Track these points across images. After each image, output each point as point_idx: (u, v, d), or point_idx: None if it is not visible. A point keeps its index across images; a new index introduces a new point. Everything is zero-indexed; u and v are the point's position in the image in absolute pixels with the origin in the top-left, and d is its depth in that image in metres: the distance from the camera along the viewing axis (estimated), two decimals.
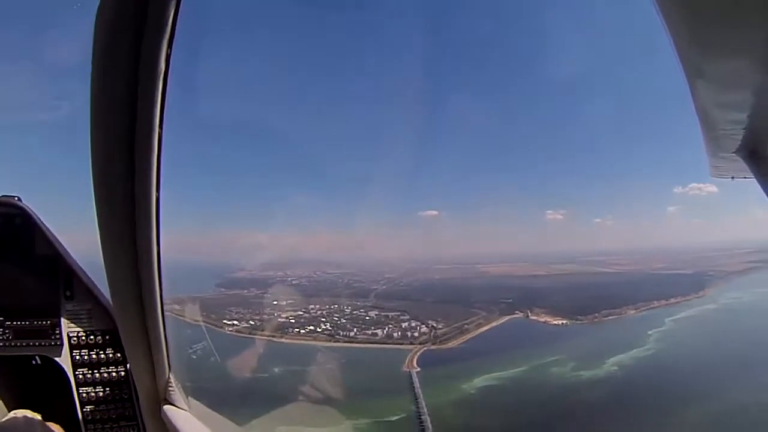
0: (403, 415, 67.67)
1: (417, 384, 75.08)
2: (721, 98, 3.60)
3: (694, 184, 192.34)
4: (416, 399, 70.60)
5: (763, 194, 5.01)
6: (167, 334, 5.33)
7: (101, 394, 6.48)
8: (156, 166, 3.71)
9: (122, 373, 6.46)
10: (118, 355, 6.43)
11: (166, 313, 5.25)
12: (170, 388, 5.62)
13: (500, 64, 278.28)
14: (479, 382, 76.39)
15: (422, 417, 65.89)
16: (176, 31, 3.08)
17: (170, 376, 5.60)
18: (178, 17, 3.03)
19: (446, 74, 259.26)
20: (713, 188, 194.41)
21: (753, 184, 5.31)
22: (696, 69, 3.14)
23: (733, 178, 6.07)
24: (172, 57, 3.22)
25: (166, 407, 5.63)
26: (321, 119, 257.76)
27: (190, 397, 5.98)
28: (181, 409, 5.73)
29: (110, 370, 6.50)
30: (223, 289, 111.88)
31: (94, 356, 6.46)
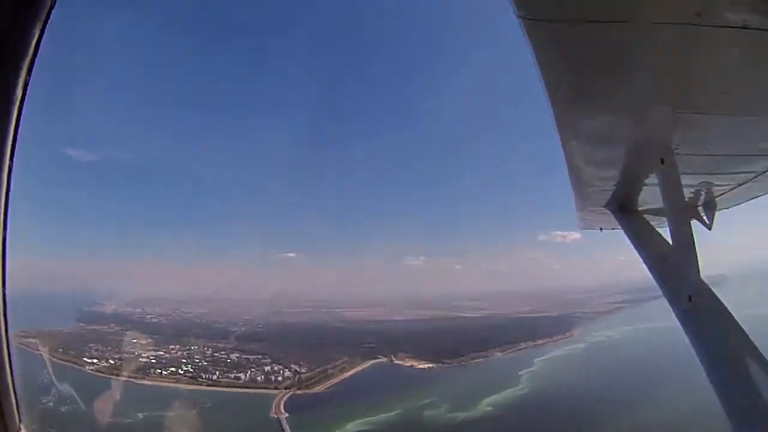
0: None
1: (287, 429, 71.55)
2: (593, 156, 4.31)
3: (558, 232, 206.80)
4: None
5: (622, 240, 5.53)
6: (15, 382, 4.55)
7: None
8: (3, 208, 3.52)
9: None
10: None
11: (14, 357, 4.54)
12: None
13: (369, 115, 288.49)
14: (352, 427, 73.92)
15: None
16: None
17: (21, 427, 4.76)
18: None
19: (311, 122, 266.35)
20: (577, 236, 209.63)
21: (618, 233, 5.94)
22: (570, 127, 3.72)
23: (601, 229, 6.93)
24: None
25: None
26: (189, 157, 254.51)
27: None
28: None
29: None
30: (82, 324, 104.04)
31: None
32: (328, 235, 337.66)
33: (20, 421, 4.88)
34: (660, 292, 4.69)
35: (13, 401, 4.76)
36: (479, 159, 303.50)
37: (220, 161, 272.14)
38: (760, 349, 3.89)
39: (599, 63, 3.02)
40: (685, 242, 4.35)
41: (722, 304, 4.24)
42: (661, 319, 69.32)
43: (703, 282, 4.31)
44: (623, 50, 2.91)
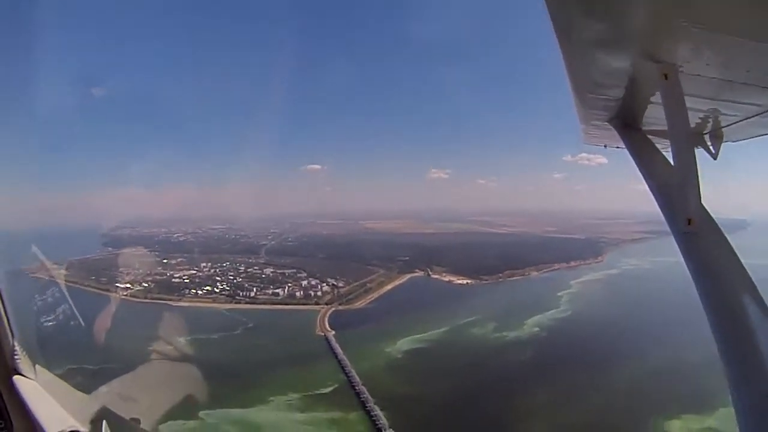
0: (335, 386, 61.75)
1: (338, 349, 69.67)
2: (593, 62, 4.00)
3: (584, 154, 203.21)
4: (343, 367, 65.21)
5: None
6: (5, 301, 5.53)
7: None
8: None
9: None
10: None
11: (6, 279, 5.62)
12: (16, 357, 5.70)
13: (386, 27, 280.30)
14: (404, 344, 72.52)
15: (357, 387, 60.20)
16: None
17: (14, 344, 5.71)
18: None
19: (329, 33, 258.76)
20: (602, 159, 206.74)
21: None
22: (567, 34, 3.55)
23: (606, 146, 6.85)
24: None
25: (16, 378, 5.66)
26: (201, 72, 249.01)
27: (38, 366, 6.04)
28: (29, 378, 5.82)
29: None
30: (110, 249, 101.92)
31: None
32: (353, 147, 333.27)
33: (13, 338, 5.69)
34: None
35: (5, 321, 5.57)
36: (509, 73, 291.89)
37: (240, 75, 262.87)
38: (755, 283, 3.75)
39: None
40: (688, 166, 4.15)
41: (721, 230, 4.14)
42: None
43: (703, 208, 4.14)
44: None
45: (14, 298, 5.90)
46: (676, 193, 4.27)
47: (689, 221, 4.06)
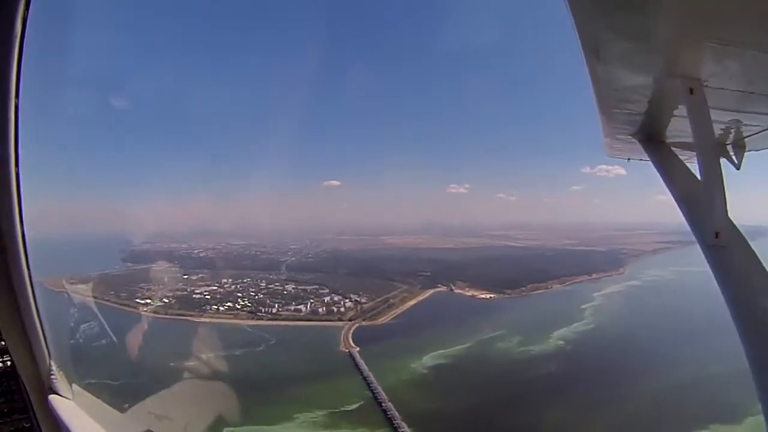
0: (360, 403, 61.08)
1: (363, 366, 68.98)
2: (619, 78, 4.07)
3: (602, 166, 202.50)
4: (368, 384, 64.50)
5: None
6: (42, 319, 5.46)
7: None
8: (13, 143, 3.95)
9: (8, 363, 5.80)
10: (2, 343, 5.79)
11: (41, 296, 5.38)
12: (53, 377, 5.77)
13: (406, 41, 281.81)
14: (429, 360, 71.75)
15: (383, 404, 59.57)
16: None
17: (51, 363, 5.75)
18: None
19: (352, 47, 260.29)
20: (620, 171, 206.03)
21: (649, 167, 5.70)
22: (594, 50, 3.57)
23: (629, 159, 6.83)
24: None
25: (52, 397, 5.75)
26: (227, 86, 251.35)
27: (74, 385, 6.10)
28: (66, 398, 5.87)
29: None
30: (129, 264, 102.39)
31: None
32: (371, 163, 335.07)
33: (50, 357, 5.73)
34: None
35: (43, 341, 5.55)
36: (526, 84, 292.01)
37: (261, 89, 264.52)
38: None
39: None
40: (713, 178, 4.23)
41: (748, 243, 4.20)
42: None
43: (730, 221, 4.19)
44: None
45: (48, 312, 5.86)
46: (703, 206, 4.32)
47: (716, 234, 4.10)
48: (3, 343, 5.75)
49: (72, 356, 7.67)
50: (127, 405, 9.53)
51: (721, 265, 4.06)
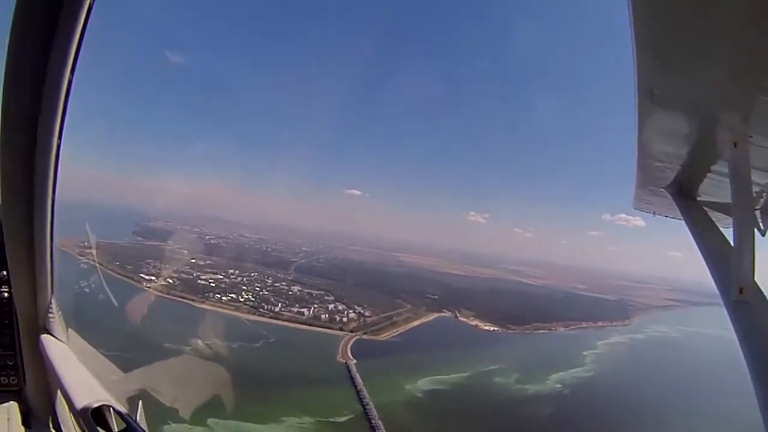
0: (350, 416, 60.61)
1: (358, 379, 68.45)
2: (667, 129, 4.01)
3: (622, 215, 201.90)
4: (361, 398, 63.84)
5: (680, 237, 5.32)
6: (54, 258, 5.08)
7: None
8: (61, 114, 3.85)
9: (5, 294, 5.68)
10: (4, 273, 5.58)
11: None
12: (50, 316, 5.46)
13: (440, 64, 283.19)
14: (425, 384, 71.12)
15: (373, 422, 59.03)
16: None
17: (52, 302, 5.43)
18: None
19: (382, 64, 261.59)
20: (639, 222, 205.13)
21: (674, 224, 5.91)
22: (649, 89, 3.43)
23: (654, 213, 6.60)
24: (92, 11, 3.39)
25: (44, 336, 5.47)
26: (257, 81, 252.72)
27: (70, 329, 5.80)
28: (59, 340, 5.57)
29: None
30: (140, 239, 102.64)
31: None
32: (396, 178, 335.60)
33: (52, 294, 5.35)
34: (714, 299, 4.28)
35: (49, 275, 5.12)
36: (562, 130, 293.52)
37: (304, 90, 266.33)
38: None
39: (695, 20, 2.68)
40: (746, 242, 3.99)
41: None
42: (720, 328, 66.06)
43: (754, 281, 3.91)
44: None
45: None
46: (732, 265, 4.07)
47: (741, 290, 3.89)
48: (5, 273, 5.54)
49: (74, 305, 7.37)
50: (119, 364, 9.24)
51: (743, 321, 3.85)
